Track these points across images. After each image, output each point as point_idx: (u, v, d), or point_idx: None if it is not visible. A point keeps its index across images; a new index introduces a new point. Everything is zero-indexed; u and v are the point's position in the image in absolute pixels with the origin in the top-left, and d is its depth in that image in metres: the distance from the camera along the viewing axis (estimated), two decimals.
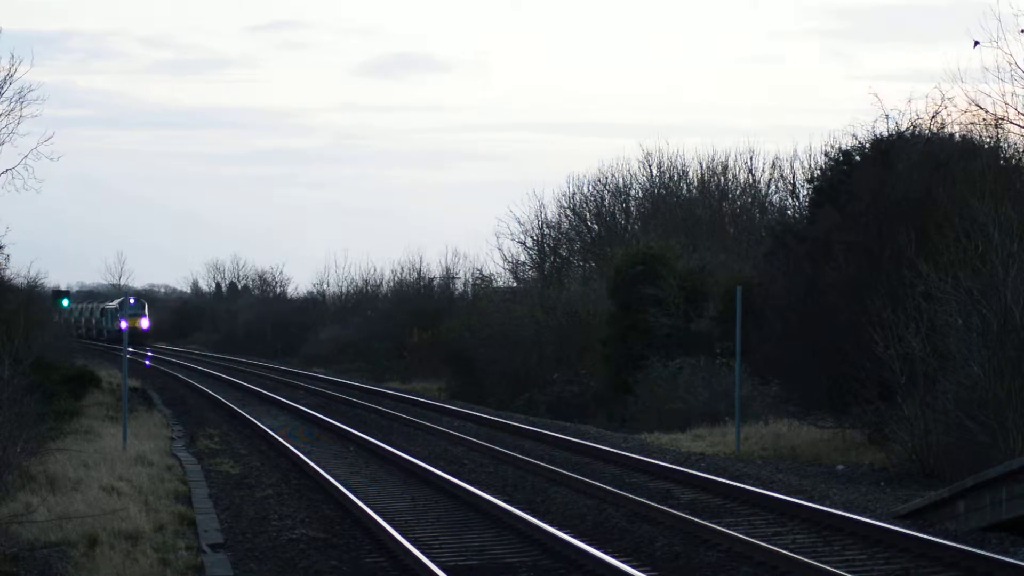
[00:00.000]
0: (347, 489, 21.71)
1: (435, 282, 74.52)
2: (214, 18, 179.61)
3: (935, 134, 30.65)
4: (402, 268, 78.10)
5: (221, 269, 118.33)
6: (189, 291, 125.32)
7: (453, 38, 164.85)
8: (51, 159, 32.18)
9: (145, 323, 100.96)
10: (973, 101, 27.62)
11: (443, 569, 15.60)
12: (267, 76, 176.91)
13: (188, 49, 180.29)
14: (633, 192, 60.28)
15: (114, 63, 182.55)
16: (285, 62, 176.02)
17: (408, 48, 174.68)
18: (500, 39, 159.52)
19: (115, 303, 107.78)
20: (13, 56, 33.12)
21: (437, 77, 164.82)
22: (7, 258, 40.23)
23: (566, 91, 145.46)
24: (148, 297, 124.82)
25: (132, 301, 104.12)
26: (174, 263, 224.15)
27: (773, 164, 57.37)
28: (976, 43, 25.86)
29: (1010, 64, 26.46)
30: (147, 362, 73.18)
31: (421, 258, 76.73)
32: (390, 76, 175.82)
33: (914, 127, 31.09)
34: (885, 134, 31.38)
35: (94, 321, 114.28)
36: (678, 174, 59.29)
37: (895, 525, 17.72)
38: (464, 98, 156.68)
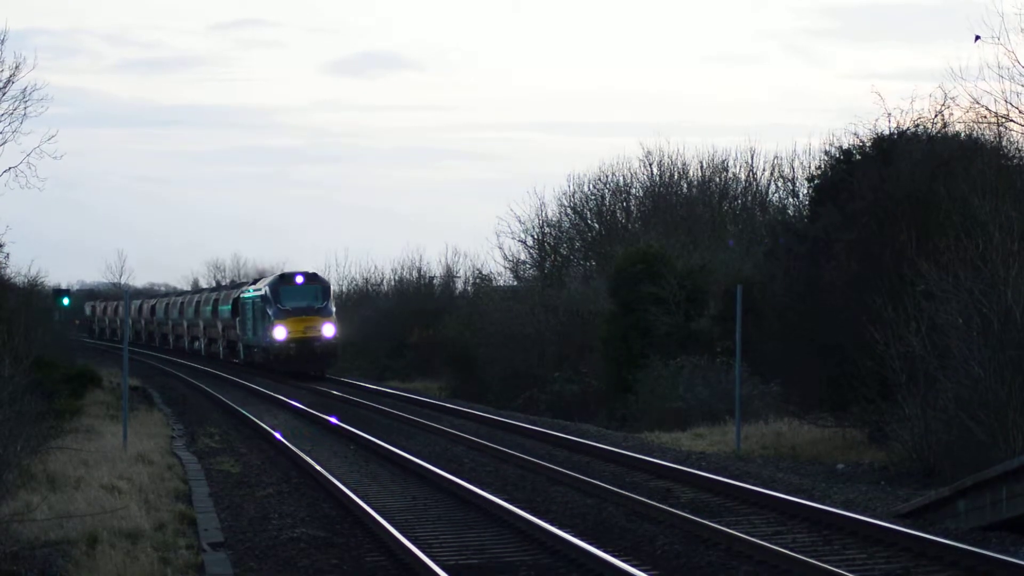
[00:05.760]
0: (347, 488, 21.72)
1: (435, 281, 74.47)
2: (177, 16, 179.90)
3: (939, 133, 30.67)
4: (402, 267, 77.98)
5: (221, 268, 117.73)
6: (189, 290, 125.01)
7: (452, 38, 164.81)
8: (54, 157, 32.38)
9: (329, 329, 55.26)
10: (976, 100, 27.65)
11: (443, 568, 15.60)
12: (236, 74, 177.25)
13: (154, 47, 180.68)
14: (634, 191, 60.33)
15: (82, 61, 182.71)
16: (255, 60, 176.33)
17: (399, 49, 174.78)
18: (501, 39, 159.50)
19: (262, 285, 58.65)
20: (17, 55, 33.31)
21: (432, 77, 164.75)
22: (7, 257, 40.22)
23: (566, 91, 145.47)
24: (149, 297, 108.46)
25: (300, 279, 56.31)
26: (173, 262, 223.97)
27: (773, 163, 57.47)
28: (977, 37, 25.88)
29: (1012, 62, 26.47)
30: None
31: (421, 257, 76.45)
32: (373, 75, 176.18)
33: (917, 126, 31.11)
34: (886, 133, 31.41)
35: (219, 327, 68.21)
36: (678, 173, 59.33)
37: (895, 524, 17.72)
38: (463, 97, 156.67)
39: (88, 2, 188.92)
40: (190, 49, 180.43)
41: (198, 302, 75.09)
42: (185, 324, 79.20)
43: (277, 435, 27.20)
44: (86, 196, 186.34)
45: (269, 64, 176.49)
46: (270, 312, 55.62)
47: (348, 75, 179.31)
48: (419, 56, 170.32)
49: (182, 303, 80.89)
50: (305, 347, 54.63)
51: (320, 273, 59.90)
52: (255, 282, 62.83)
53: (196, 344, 76.26)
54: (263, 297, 56.76)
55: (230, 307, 64.33)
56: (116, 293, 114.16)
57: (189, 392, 48.45)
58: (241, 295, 62.14)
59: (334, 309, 56.93)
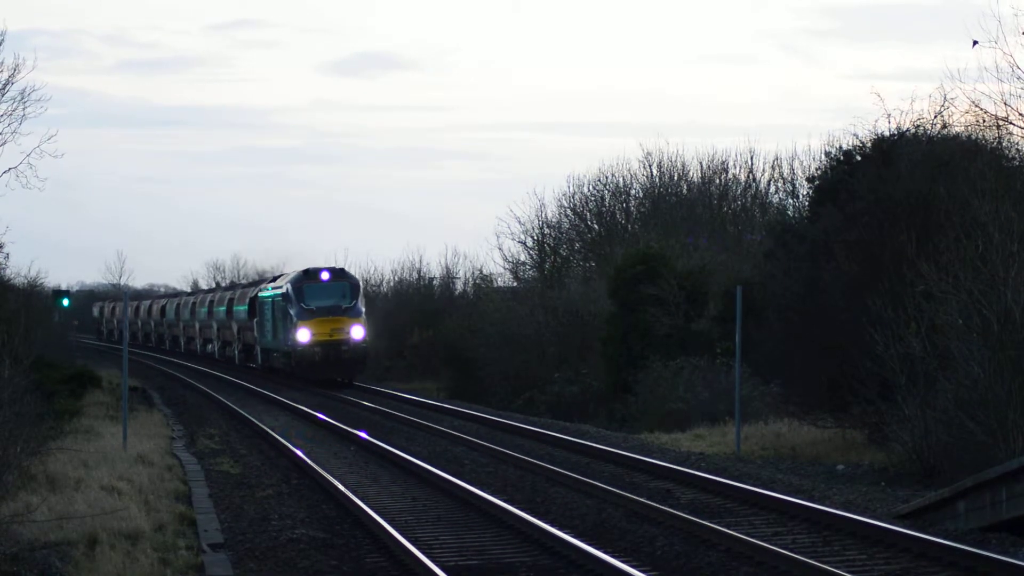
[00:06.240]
0: (347, 489, 21.72)
1: (435, 282, 74.37)
2: (175, 16, 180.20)
3: (938, 134, 30.70)
4: (402, 267, 77.83)
5: (221, 269, 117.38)
6: (189, 291, 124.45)
7: (451, 38, 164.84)
8: (54, 157, 32.41)
9: (358, 331, 50.19)
10: (974, 103, 27.66)
11: (443, 569, 15.60)
12: (235, 75, 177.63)
13: (152, 48, 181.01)
14: (633, 192, 60.37)
15: (81, 62, 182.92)
16: (253, 61, 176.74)
17: (397, 49, 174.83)
18: (501, 39, 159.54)
19: (283, 282, 52.93)
20: (16, 56, 33.39)
21: (431, 77, 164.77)
22: (7, 257, 40.23)
23: (566, 91, 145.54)
24: (141, 298, 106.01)
25: (326, 276, 51.10)
26: (173, 263, 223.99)
27: (773, 164, 57.52)
28: (975, 43, 25.85)
29: (1010, 65, 26.47)
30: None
31: (421, 257, 76.20)
32: (371, 76, 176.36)
33: (917, 127, 31.15)
34: (886, 134, 31.44)
35: (234, 329, 63.45)
36: (678, 174, 59.36)
37: (895, 525, 17.72)
38: (462, 97, 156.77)
39: (86, 3, 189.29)
40: (188, 50, 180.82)
41: (211, 302, 69.85)
42: (197, 326, 74.51)
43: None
44: (85, 196, 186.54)
45: (267, 64, 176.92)
46: (292, 312, 50.08)
47: (346, 75, 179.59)
48: (418, 56, 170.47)
49: (194, 303, 76.06)
50: (332, 351, 49.52)
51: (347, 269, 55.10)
52: (275, 279, 56.69)
53: (209, 347, 71.53)
54: (284, 296, 51.14)
55: (246, 307, 58.82)
56: (134, 294, 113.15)
57: (195, 396, 48.39)
58: (259, 294, 56.62)
59: (364, 309, 51.06)
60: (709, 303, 40.48)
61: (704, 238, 49.42)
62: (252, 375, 57.04)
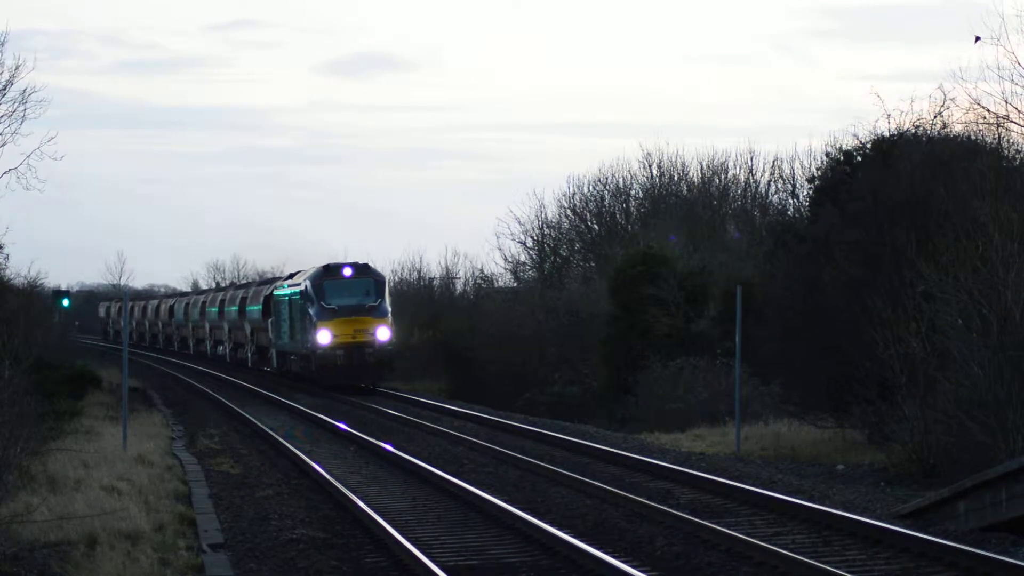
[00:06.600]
0: (347, 489, 21.72)
1: (435, 282, 74.36)
2: (172, 17, 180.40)
3: (938, 133, 30.74)
4: (402, 268, 77.81)
5: (221, 269, 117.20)
6: (196, 289, 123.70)
7: (450, 38, 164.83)
8: (54, 158, 32.46)
9: (384, 332, 45.95)
10: (975, 101, 27.67)
11: (443, 569, 15.60)
12: (233, 75, 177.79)
13: (150, 48, 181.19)
14: (633, 192, 60.43)
15: (78, 62, 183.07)
16: (251, 61, 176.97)
17: (396, 49, 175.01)
18: (501, 39, 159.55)
19: (301, 279, 48.70)
20: (16, 57, 33.47)
21: (431, 77, 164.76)
22: (7, 257, 40.22)
23: (566, 91, 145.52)
24: (148, 297, 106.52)
25: (348, 272, 46.72)
26: (173, 263, 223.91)
27: (773, 164, 57.58)
28: (977, 38, 25.88)
29: (1012, 62, 26.49)
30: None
31: (421, 258, 76.14)
32: (370, 76, 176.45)
33: (916, 127, 31.18)
34: (886, 134, 31.47)
35: (247, 329, 59.48)
36: (678, 174, 59.43)
37: (895, 525, 17.72)
38: (462, 98, 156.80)
39: (84, 3, 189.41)
40: (186, 50, 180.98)
41: (222, 300, 65.67)
42: (207, 326, 70.42)
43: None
44: (85, 197, 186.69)
45: (266, 65, 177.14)
46: (311, 312, 45.87)
47: (345, 76, 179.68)
48: (417, 56, 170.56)
49: (203, 302, 71.84)
50: (355, 354, 45.45)
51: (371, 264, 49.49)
52: (291, 276, 52.28)
53: (220, 349, 67.13)
54: (302, 294, 47.05)
55: (260, 307, 54.94)
56: (136, 293, 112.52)
57: (195, 397, 48.35)
58: (274, 291, 52.63)
59: (390, 308, 46.77)
60: (709, 303, 40.50)
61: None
62: (253, 376, 56.85)
